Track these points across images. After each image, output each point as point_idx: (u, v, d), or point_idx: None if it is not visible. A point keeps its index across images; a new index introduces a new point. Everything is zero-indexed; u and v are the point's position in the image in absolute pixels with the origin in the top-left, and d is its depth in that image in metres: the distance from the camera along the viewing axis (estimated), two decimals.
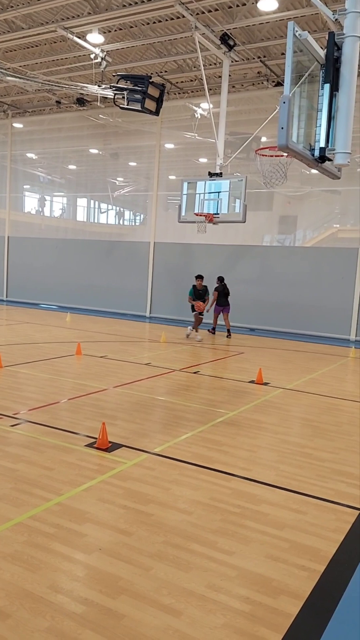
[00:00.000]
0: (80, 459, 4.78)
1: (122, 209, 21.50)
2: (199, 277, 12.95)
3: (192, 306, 12.90)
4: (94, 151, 20.01)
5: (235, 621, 2.70)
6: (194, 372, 9.10)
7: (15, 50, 14.90)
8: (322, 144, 5.34)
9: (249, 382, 8.56)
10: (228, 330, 13.87)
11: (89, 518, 3.68)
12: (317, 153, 5.37)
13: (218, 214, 11.32)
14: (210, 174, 11.37)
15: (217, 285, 13.91)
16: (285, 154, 6.61)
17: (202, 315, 12.96)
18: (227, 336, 13.77)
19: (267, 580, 3.07)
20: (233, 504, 4.04)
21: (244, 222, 11.12)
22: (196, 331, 13.12)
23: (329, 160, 5.45)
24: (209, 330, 14.38)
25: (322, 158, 5.37)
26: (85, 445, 5.12)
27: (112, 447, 5.09)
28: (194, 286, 12.97)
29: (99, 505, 3.89)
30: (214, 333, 14.31)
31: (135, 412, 6.47)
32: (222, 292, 13.82)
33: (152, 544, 3.39)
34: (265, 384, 8.47)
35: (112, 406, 6.69)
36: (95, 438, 5.22)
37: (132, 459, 4.84)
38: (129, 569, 3.11)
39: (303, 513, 3.96)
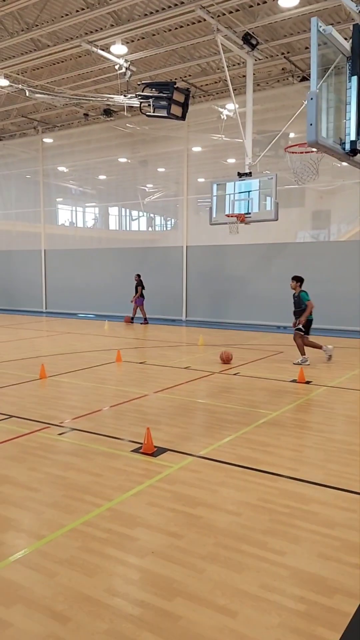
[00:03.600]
0: (127, 464, 4.86)
1: (153, 215, 21.68)
2: (296, 279, 10.00)
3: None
4: (123, 160, 20.28)
5: (290, 621, 2.70)
6: (234, 374, 9.09)
7: (41, 67, 15.26)
8: (353, 137, 5.27)
9: (291, 381, 8.49)
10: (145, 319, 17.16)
11: (139, 522, 3.74)
12: (347, 147, 5.30)
13: (249, 213, 11.26)
14: (240, 174, 11.34)
15: (138, 280, 16.88)
16: (315, 150, 6.55)
17: (302, 331, 9.79)
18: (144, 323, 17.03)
19: (320, 579, 3.06)
20: (281, 504, 4.03)
21: (276, 220, 11.02)
22: (302, 354, 9.99)
23: None
24: (141, 323, 17.05)
25: (354, 151, 5.30)
26: (131, 451, 5.20)
27: (158, 451, 5.15)
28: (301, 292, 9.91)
29: (148, 509, 3.95)
30: (147, 323, 17.06)
31: (177, 416, 6.52)
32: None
33: (203, 546, 3.42)
34: (308, 382, 8.38)
35: (154, 411, 6.76)
36: (141, 443, 5.30)
37: (177, 462, 4.89)
38: (182, 571, 3.15)
39: (353, 511, 3.92)
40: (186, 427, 6.08)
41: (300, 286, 10.01)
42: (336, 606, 2.81)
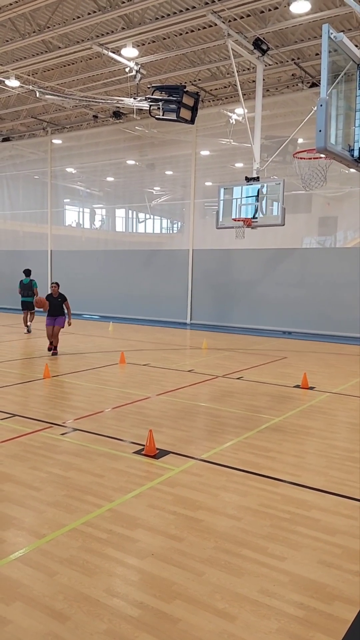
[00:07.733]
0: (129, 466, 4.86)
1: (160, 218, 21.72)
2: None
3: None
4: (130, 162, 20.33)
5: (289, 626, 2.70)
6: (237, 378, 9.09)
7: (52, 69, 15.35)
8: None
9: (294, 386, 8.48)
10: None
11: (140, 524, 3.74)
12: (356, 154, 5.32)
13: (256, 218, 11.26)
14: (247, 179, 11.35)
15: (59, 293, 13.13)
16: (324, 156, 6.56)
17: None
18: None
19: (320, 585, 3.05)
20: (283, 509, 4.03)
21: (283, 225, 11.02)
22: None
23: None
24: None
25: None
26: (133, 452, 5.20)
27: (160, 454, 5.16)
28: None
29: (149, 511, 3.95)
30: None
31: (179, 419, 6.52)
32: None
33: (203, 550, 3.42)
34: (311, 388, 8.36)
35: (156, 414, 6.76)
36: (142, 445, 5.30)
37: (179, 465, 4.89)
38: (182, 574, 3.15)
39: (354, 519, 3.90)
40: (188, 430, 6.08)
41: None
42: (335, 613, 2.80)
